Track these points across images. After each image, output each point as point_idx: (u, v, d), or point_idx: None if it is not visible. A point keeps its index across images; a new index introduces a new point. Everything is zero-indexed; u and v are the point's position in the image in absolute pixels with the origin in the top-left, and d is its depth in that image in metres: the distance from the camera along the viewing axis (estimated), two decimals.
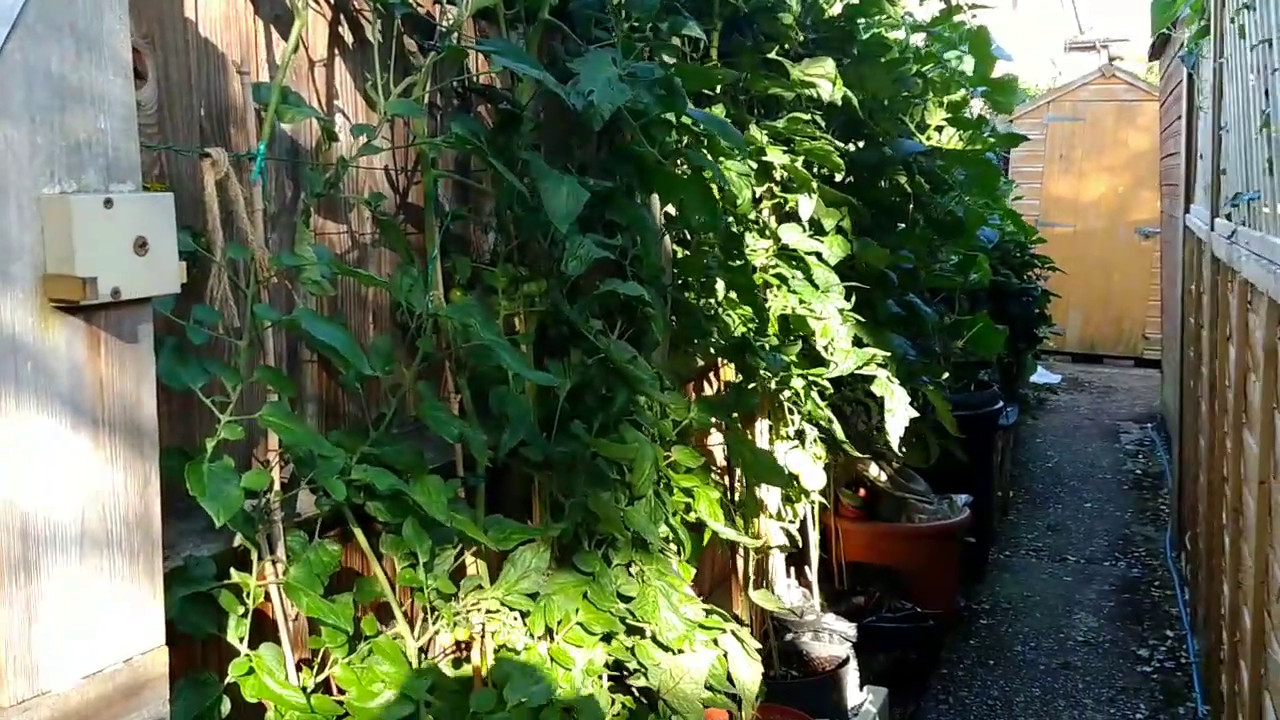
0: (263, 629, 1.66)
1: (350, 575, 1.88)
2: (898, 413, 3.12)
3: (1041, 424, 8.94)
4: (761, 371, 2.91)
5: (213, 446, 1.43)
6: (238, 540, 1.61)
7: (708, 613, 2.24)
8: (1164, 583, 5.80)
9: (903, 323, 3.70)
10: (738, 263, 2.72)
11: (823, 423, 3.15)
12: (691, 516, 2.47)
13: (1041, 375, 8.98)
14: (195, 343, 1.45)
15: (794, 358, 2.98)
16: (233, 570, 1.59)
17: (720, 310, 2.87)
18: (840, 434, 3.22)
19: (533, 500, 2.25)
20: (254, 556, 1.60)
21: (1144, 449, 8.50)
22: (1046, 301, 7.36)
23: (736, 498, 3.34)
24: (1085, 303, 11.62)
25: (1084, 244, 11.75)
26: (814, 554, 3.98)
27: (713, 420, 2.80)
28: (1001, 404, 5.69)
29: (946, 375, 4.25)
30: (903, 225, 3.83)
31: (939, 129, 4.08)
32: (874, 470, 4.45)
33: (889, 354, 3.22)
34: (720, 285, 2.86)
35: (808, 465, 3.42)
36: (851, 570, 4.37)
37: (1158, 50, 9.26)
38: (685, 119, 2.18)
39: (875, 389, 3.14)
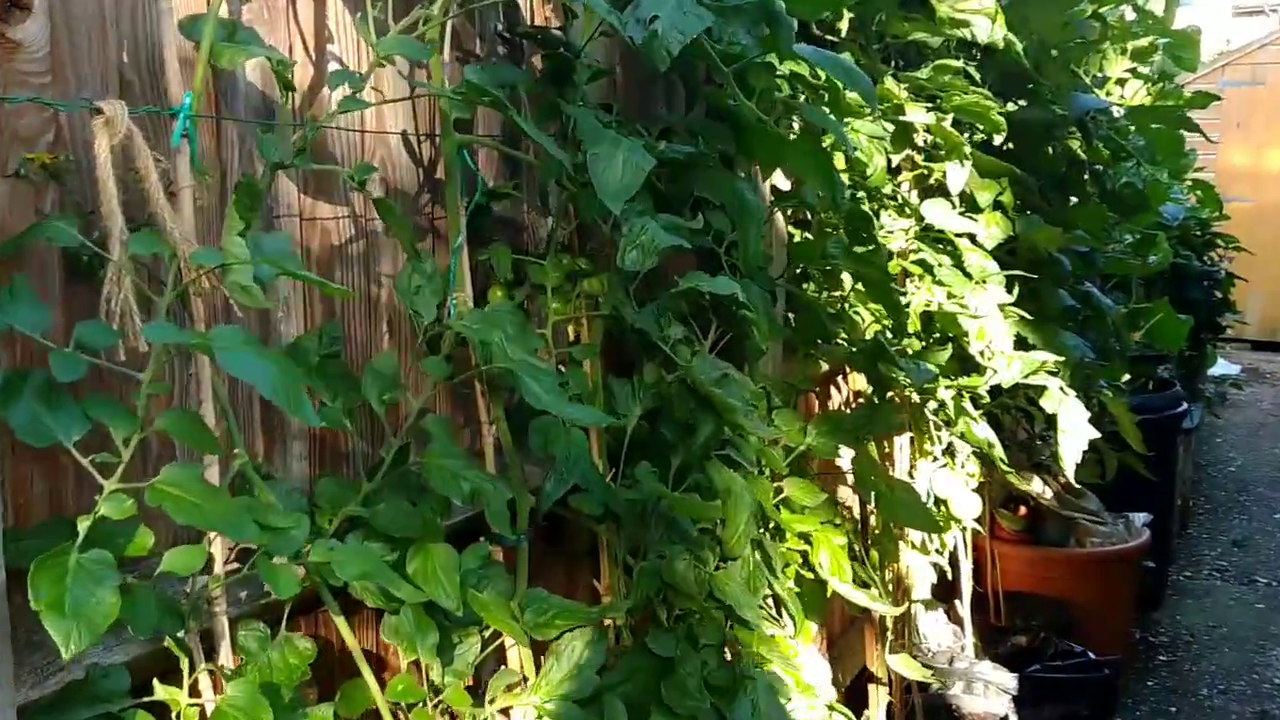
0: None
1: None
2: (1073, 433, 2.51)
3: (1221, 421, 8.02)
4: (900, 381, 2.36)
5: (86, 529, 0.99)
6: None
7: (831, 708, 1.71)
8: None
9: (1076, 317, 3.07)
10: (865, 249, 2.17)
11: (980, 447, 2.57)
12: (808, 571, 1.96)
13: (1220, 366, 8.06)
14: (62, 379, 1.01)
15: (941, 365, 2.41)
16: (157, 682, 1.15)
17: (847, 306, 2.33)
18: (1002, 457, 2.63)
19: (600, 553, 1.77)
20: (184, 665, 1.17)
21: None
22: (1231, 285, 6.52)
23: (870, 527, 2.79)
24: (1266, 285, 10.51)
25: (1265, 220, 10.65)
26: (966, 586, 3.41)
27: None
28: (1185, 405, 4.94)
29: (1127, 378, 3.59)
30: (1074, 200, 3.20)
31: (1119, 82, 3.42)
32: (1037, 486, 3.82)
33: (1061, 358, 2.62)
34: (847, 275, 2.32)
35: (958, 489, 2.85)
36: (1009, 601, 3.77)
37: None
38: (792, 61, 1.65)
39: (1045, 404, 2.55)
